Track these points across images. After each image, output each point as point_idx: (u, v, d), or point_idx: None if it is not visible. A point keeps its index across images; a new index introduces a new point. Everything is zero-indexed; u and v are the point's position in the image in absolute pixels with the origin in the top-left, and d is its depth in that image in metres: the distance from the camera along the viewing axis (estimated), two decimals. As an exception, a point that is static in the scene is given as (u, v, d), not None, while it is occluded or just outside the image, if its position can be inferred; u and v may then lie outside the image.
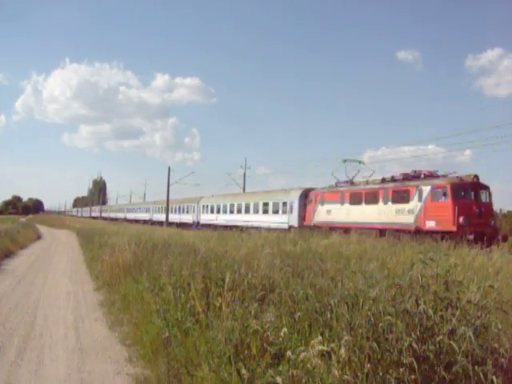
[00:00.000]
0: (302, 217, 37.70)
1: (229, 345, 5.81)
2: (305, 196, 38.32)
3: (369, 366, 4.58)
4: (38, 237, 42.72)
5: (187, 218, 63.89)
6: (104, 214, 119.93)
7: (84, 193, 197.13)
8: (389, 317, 4.92)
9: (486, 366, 4.38)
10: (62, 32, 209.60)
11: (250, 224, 41.63)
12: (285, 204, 41.26)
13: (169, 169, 68.13)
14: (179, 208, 67.39)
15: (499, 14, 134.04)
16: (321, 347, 4.79)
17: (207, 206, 57.65)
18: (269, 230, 28.22)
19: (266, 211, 44.15)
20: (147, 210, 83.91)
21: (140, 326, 8.39)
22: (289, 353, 4.97)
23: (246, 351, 5.72)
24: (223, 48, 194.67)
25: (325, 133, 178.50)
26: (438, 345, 4.63)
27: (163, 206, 70.22)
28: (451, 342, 4.50)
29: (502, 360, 4.55)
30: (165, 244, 15.84)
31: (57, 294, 13.15)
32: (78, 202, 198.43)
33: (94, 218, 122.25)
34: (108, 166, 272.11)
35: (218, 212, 54.00)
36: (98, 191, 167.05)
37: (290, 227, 36.85)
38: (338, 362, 4.65)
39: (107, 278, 14.17)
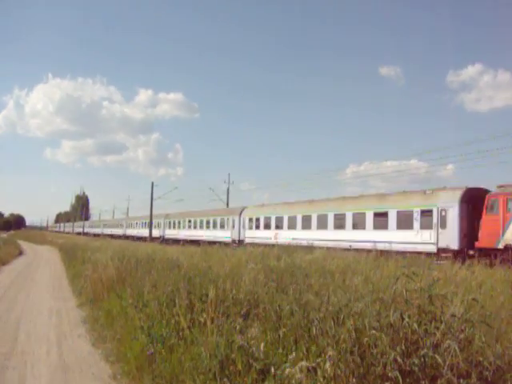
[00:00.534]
0: (465, 233, 24.85)
1: (214, 361, 5.79)
2: (469, 200, 25.41)
3: (354, 380, 4.59)
4: (20, 253, 42.26)
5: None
6: (87, 230, 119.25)
7: (67, 208, 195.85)
8: (373, 331, 4.93)
9: (470, 379, 4.41)
10: (45, 47, 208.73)
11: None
12: (427, 213, 26.75)
13: (152, 184, 68.20)
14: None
15: (479, 30, 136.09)
16: (305, 363, 4.78)
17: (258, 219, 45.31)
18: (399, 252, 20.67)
19: (381, 225, 29.66)
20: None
21: (124, 343, 8.32)
22: (273, 369, 4.96)
23: (231, 367, 5.70)
24: (206, 63, 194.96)
25: (308, 148, 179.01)
26: (422, 358, 4.65)
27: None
28: (436, 356, 4.52)
29: (487, 373, 4.57)
30: (148, 259, 15.76)
31: (39, 311, 13.00)
32: (61, 218, 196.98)
33: (77, 233, 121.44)
34: (91, 181, 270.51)
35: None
36: (81, 206, 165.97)
37: (442, 250, 25.28)
38: (324, 377, 4.65)
39: (90, 294, 14.05)
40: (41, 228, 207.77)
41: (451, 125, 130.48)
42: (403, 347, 4.77)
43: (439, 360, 4.48)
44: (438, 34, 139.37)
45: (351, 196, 36.66)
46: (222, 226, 50.94)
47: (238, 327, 6.57)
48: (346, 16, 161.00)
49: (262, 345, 5.64)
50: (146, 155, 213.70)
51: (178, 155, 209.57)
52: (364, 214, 31.28)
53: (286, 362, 5.14)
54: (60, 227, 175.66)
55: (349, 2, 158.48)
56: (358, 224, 31.71)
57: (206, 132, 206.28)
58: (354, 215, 32.33)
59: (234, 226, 48.08)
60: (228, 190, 70.23)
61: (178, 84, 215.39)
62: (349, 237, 31.66)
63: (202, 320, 7.45)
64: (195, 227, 57.01)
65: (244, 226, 46.41)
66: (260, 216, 44.45)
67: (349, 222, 32.61)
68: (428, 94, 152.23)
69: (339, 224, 33.38)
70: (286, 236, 37.54)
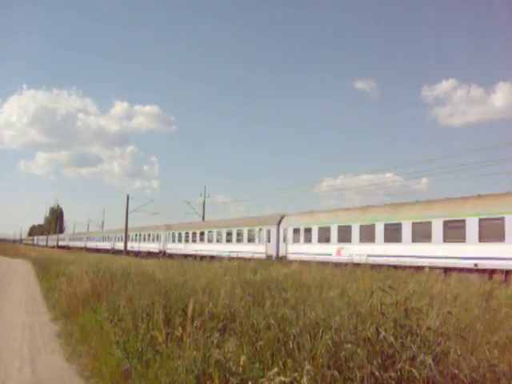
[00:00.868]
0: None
1: (190, 375, 5.75)
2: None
3: (331, 394, 4.59)
4: (-8, 266, 41.59)
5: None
6: (61, 243, 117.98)
7: (40, 221, 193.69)
8: (349, 345, 4.96)
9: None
10: (19, 57, 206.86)
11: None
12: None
13: (127, 197, 67.59)
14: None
15: (454, 45, 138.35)
16: (281, 378, 4.76)
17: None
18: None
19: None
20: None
21: (99, 358, 8.22)
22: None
23: (207, 382, 5.66)
24: (183, 75, 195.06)
25: (283, 161, 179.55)
26: (399, 372, 4.67)
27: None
28: (412, 369, 4.56)
29: (462, 386, 4.62)
30: (123, 273, 15.63)
31: (11, 326, 12.77)
32: (34, 230, 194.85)
33: (50, 246, 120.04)
34: (65, 193, 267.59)
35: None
36: (55, 219, 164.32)
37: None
38: (301, 391, 4.64)
39: (64, 309, 13.88)
40: (14, 241, 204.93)
41: (426, 139, 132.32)
42: (380, 360, 4.80)
43: (415, 373, 4.51)
44: (413, 48, 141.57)
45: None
46: (251, 240, 41.55)
47: (215, 341, 6.53)
48: (322, 29, 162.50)
49: (243, 358, 5.61)
50: (121, 167, 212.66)
51: (153, 168, 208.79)
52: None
53: (263, 377, 5.12)
54: (34, 240, 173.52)
55: (324, 15, 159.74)
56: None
57: (183, 145, 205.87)
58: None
59: (269, 240, 38.72)
60: (204, 202, 70.14)
61: (154, 97, 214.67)
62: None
63: (179, 334, 7.40)
64: (210, 240, 47.53)
65: (286, 239, 36.88)
66: (311, 226, 35.19)
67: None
68: (403, 108, 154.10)
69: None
70: (357, 251, 29.46)
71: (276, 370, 4.92)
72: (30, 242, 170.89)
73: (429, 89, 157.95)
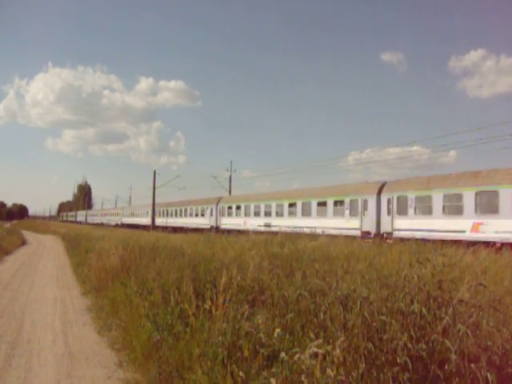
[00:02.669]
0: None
1: (221, 347, 5.78)
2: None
3: (363, 366, 4.57)
4: (23, 242, 42.28)
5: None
6: (89, 219, 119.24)
7: (69, 197, 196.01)
8: (383, 316, 4.92)
9: (479, 363, 4.39)
10: (44, 36, 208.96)
11: None
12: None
13: (154, 172, 68.01)
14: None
15: (482, 15, 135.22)
16: (317, 349, 4.74)
17: None
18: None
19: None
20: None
21: (129, 331, 8.32)
22: (283, 354, 4.94)
23: (238, 353, 5.69)
24: (208, 51, 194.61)
25: (310, 135, 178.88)
26: (431, 343, 4.63)
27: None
28: (445, 340, 4.51)
29: (495, 357, 4.56)
30: (152, 248, 15.76)
31: (44, 300, 13.01)
32: (63, 207, 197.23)
33: (79, 222, 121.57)
34: (93, 170, 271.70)
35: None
36: (83, 196, 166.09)
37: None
38: (333, 362, 4.63)
39: (94, 283, 14.07)
40: (44, 218, 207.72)
41: (454, 111, 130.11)
42: (412, 332, 4.76)
43: (449, 344, 4.46)
44: (440, 19, 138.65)
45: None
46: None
47: (246, 313, 6.54)
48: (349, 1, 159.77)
49: (277, 331, 5.60)
50: (147, 144, 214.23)
51: (179, 143, 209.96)
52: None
53: (293, 348, 5.12)
54: (63, 217, 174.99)
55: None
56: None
57: (208, 120, 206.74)
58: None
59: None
60: (230, 177, 70.19)
61: (179, 72, 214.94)
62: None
63: (208, 307, 7.43)
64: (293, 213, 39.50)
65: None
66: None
67: None
68: (430, 80, 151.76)
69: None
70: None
71: (320, 341, 4.89)
72: (65, 219, 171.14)
73: (456, 60, 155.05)
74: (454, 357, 4.44)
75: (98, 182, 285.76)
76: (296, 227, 34.86)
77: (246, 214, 45.93)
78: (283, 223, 38.39)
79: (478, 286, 6.24)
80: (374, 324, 4.93)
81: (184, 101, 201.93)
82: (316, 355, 4.64)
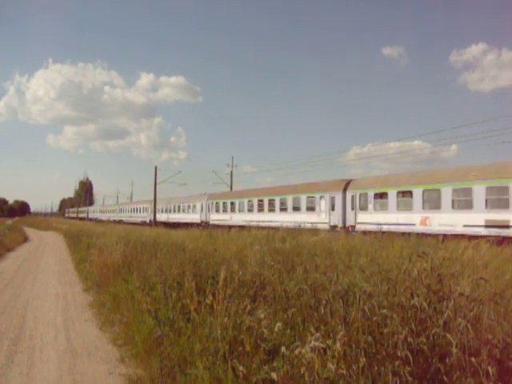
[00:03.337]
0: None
1: (223, 342, 5.79)
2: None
3: (364, 359, 4.58)
4: (25, 239, 42.36)
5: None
6: (91, 215, 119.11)
7: (70, 194, 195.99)
8: (384, 310, 4.93)
9: (480, 356, 4.40)
10: (44, 32, 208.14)
11: None
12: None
13: (155, 168, 67.99)
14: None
15: (482, 8, 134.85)
16: (317, 343, 4.75)
17: None
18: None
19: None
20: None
21: (131, 326, 8.34)
22: (283, 348, 4.95)
23: (239, 348, 5.70)
24: (208, 46, 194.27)
25: (311, 131, 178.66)
26: (432, 337, 4.64)
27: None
28: (447, 334, 4.52)
29: (496, 351, 4.57)
30: (154, 243, 15.78)
31: (46, 296, 13.03)
32: (65, 204, 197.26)
33: (80, 219, 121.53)
34: (94, 166, 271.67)
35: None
36: (85, 192, 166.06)
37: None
38: (333, 356, 4.64)
39: (96, 279, 14.08)
40: (45, 214, 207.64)
41: (455, 105, 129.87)
42: (413, 326, 4.77)
43: (450, 338, 4.47)
44: (441, 13, 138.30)
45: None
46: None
47: (248, 308, 6.56)
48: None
49: (278, 325, 5.61)
50: (148, 139, 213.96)
51: (180, 139, 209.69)
52: None
53: (294, 342, 5.13)
54: (65, 213, 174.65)
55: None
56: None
57: (209, 115, 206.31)
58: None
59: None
60: (231, 173, 70.14)
61: (179, 67, 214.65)
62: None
63: (209, 302, 7.45)
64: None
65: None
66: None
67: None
68: (431, 74, 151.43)
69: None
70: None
71: (319, 334, 4.90)
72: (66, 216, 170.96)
73: (457, 54, 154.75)
74: (454, 350, 4.45)
75: (100, 178, 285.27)
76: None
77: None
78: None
79: (479, 280, 6.24)
80: (375, 318, 4.94)
81: (185, 96, 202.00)
82: (317, 349, 4.65)
